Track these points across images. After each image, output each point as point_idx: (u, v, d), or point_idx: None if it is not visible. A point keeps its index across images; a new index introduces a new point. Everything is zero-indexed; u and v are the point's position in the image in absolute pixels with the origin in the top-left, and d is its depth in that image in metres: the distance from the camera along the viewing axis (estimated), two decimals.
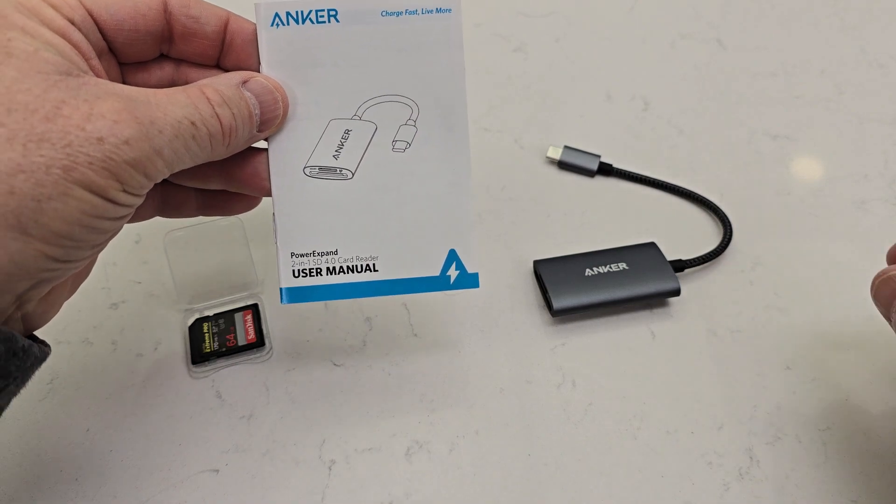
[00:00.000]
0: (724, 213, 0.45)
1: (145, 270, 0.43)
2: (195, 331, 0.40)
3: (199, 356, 0.39)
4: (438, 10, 0.32)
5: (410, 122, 0.33)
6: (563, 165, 0.47)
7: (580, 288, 0.40)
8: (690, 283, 0.42)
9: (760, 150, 0.49)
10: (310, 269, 0.33)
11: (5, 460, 0.36)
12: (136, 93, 0.26)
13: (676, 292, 0.40)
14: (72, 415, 0.38)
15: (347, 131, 0.33)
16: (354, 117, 0.33)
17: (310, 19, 0.32)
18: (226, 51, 0.31)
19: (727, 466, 0.36)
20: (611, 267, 0.41)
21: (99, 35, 0.28)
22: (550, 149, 0.48)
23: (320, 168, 0.33)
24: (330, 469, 0.36)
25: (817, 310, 0.41)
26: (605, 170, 0.47)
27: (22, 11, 0.26)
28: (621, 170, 0.47)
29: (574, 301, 0.40)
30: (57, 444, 0.37)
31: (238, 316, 0.40)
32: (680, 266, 0.42)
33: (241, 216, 0.43)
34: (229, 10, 0.31)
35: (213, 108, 0.28)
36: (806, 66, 0.53)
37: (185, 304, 0.41)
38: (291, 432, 0.37)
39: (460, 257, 0.33)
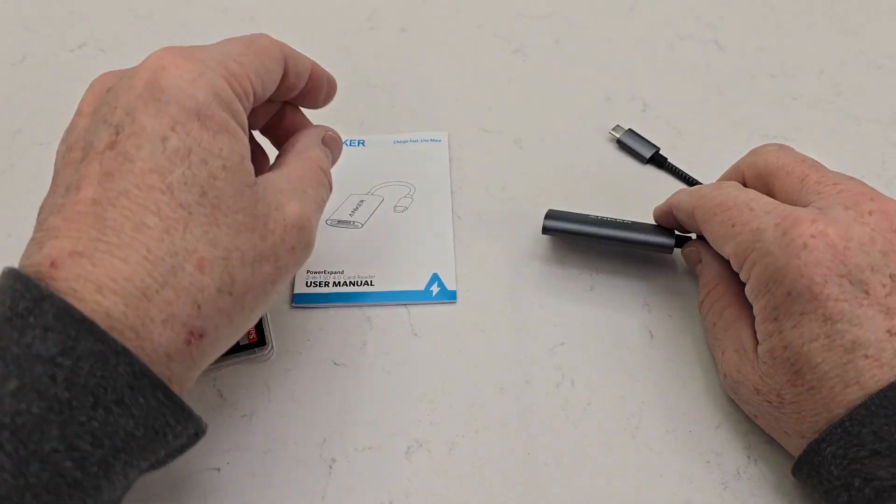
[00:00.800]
0: None
1: None
2: None
3: None
4: (433, 140, 0.49)
5: (409, 196, 0.46)
6: (621, 145, 0.49)
7: (576, 219, 0.41)
8: (688, 282, 0.42)
9: None
10: (319, 282, 0.42)
11: None
12: (312, 190, 0.33)
13: (669, 248, 0.40)
14: None
15: (361, 201, 0.46)
16: (367, 194, 0.47)
17: (346, 144, 0.46)
18: (302, 93, 0.37)
19: (725, 466, 0.36)
20: (615, 218, 0.42)
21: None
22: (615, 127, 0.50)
23: (339, 221, 0.45)
24: (330, 468, 0.36)
25: None
26: (658, 161, 0.48)
27: (224, 108, 0.30)
28: (674, 165, 0.48)
29: (565, 225, 0.41)
30: None
31: None
32: (683, 239, 0.41)
33: None
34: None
35: (326, 176, 0.35)
36: (804, 68, 0.53)
37: None
38: (292, 431, 0.37)
39: (441, 279, 0.42)
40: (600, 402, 0.38)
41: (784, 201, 0.33)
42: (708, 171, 0.48)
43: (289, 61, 0.34)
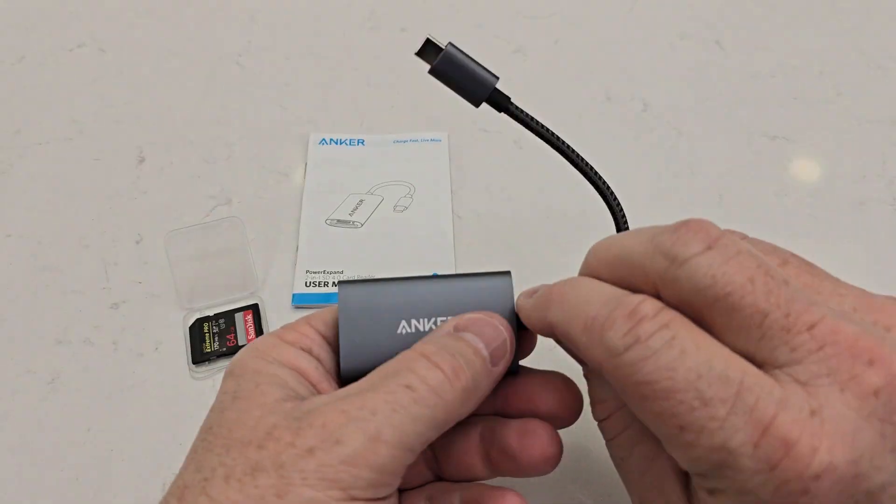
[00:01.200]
0: (617, 205, 0.33)
1: (146, 270, 0.43)
2: (196, 330, 0.40)
3: (199, 356, 0.39)
4: (433, 140, 0.49)
5: (409, 196, 0.46)
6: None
7: (381, 351, 0.27)
8: None
9: (759, 150, 0.49)
10: (319, 282, 0.42)
11: (6, 460, 0.36)
12: (345, 389, 0.24)
13: (512, 373, 0.28)
14: (72, 415, 0.38)
15: (360, 200, 0.46)
16: (367, 193, 0.46)
17: (345, 143, 0.49)
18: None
19: None
20: (434, 323, 0.28)
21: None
22: None
23: (338, 220, 0.45)
24: None
25: None
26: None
27: (258, 356, 0.26)
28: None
29: (367, 367, 0.26)
30: (57, 444, 0.37)
31: (238, 316, 0.40)
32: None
33: (241, 216, 0.43)
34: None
35: (429, 359, 0.24)
36: (804, 67, 0.53)
37: (185, 304, 0.41)
38: None
39: None
40: None
41: (732, 347, 0.21)
42: (707, 172, 0.48)
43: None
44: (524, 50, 0.55)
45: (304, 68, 0.54)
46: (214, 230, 0.42)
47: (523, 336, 0.29)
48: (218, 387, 0.38)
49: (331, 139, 0.49)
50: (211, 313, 0.41)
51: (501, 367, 0.26)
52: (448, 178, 0.47)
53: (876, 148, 0.49)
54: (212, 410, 0.25)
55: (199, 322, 0.40)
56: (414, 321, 0.27)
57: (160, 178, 0.48)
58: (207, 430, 0.24)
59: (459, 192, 0.47)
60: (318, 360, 0.27)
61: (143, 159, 0.49)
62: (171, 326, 0.41)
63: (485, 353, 0.26)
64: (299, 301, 0.42)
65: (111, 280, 0.43)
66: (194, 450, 0.24)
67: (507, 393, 0.29)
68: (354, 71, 0.54)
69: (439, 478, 0.30)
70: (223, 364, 0.39)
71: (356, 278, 0.29)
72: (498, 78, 0.32)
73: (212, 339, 0.39)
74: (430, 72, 0.32)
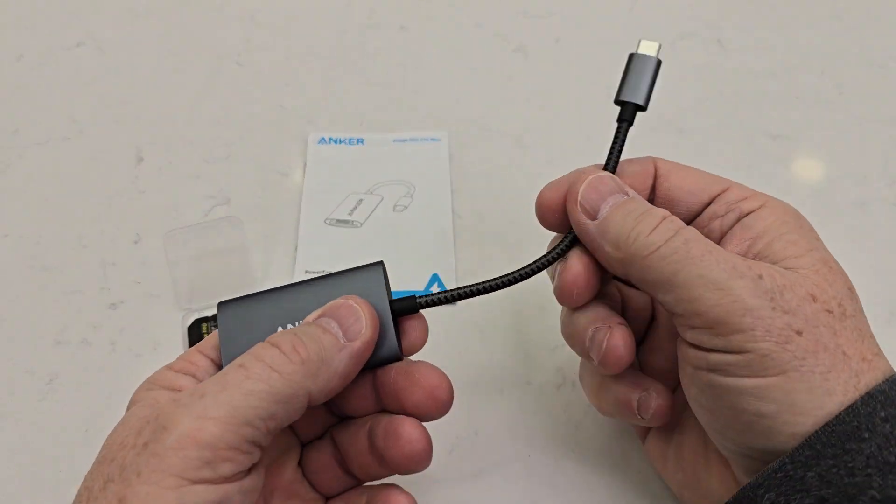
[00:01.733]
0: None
1: (145, 270, 0.43)
2: (194, 331, 0.40)
3: None
4: (433, 139, 0.49)
5: (408, 195, 0.46)
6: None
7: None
8: None
9: (760, 150, 0.49)
10: None
11: (5, 460, 0.36)
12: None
13: (395, 358, 0.28)
14: (71, 415, 0.38)
15: (360, 200, 0.46)
16: (367, 192, 0.46)
17: (345, 142, 0.49)
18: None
19: None
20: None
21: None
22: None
23: (337, 220, 0.45)
24: None
25: None
26: None
27: (146, 386, 0.26)
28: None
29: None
30: (57, 444, 0.37)
31: None
32: (410, 305, 0.29)
33: (240, 216, 0.43)
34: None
35: (270, 342, 0.25)
36: (806, 66, 0.53)
37: (184, 304, 0.41)
38: None
39: (441, 279, 0.42)
40: None
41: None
42: (711, 170, 0.48)
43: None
44: (524, 49, 0.55)
45: (304, 68, 0.54)
46: (213, 230, 0.42)
47: (409, 322, 0.29)
48: None
49: (330, 138, 0.49)
50: (209, 313, 0.40)
51: (361, 344, 0.26)
52: (448, 178, 0.47)
53: (878, 148, 0.49)
54: None
55: (198, 322, 0.40)
56: (290, 325, 0.27)
57: (159, 177, 0.48)
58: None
59: (459, 191, 0.47)
60: (199, 381, 0.27)
61: (141, 159, 0.49)
62: (169, 326, 0.41)
63: (334, 328, 0.26)
64: None
65: (109, 280, 0.43)
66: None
67: (384, 388, 0.29)
68: (354, 70, 0.54)
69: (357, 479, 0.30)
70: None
71: (236, 296, 0.28)
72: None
73: None
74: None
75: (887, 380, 0.25)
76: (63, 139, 0.50)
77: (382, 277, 0.29)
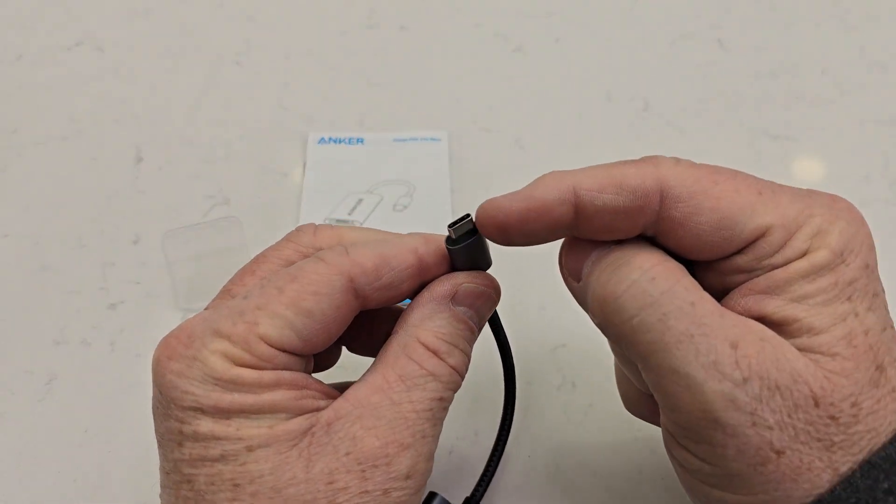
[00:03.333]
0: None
1: (144, 271, 0.43)
2: None
3: None
4: (433, 139, 0.49)
5: (408, 195, 0.46)
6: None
7: None
8: None
9: (761, 150, 0.49)
10: None
11: (5, 460, 0.36)
12: (374, 404, 0.24)
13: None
14: (71, 415, 0.37)
15: (360, 199, 0.46)
16: (366, 192, 0.47)
17: (344, 142, 0.49)
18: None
19: None
20: None
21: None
22: None
23: (337, 220, 0.45)
24: None
25: None
26: None
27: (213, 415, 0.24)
28: None
29: None
30: (54, 444, 0.37)
31: None
32: None
33: (240, 216, 0.43)
34: None
35: (446, 363, 0.25)
36: (806, 67, 0.53)
37: (183, 305, 0.41)
38: None
39: None
40: (602, 404, 0.38)
41: None
42: None
43: (359, 277, 0.26)
44: (524, 49, 0.55)
45: (304, 67, 0.54)
46: (213, 230, 0.41)
47: None
48: None
49: (330, 138, 0.49)
50: None
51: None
52: (448, 178, 0.47)
53: (879, 148, 0.49)
54: None
55: None
56: None
57: (158, 177, 0.48)
58: None
59: (459, 191, 0.47)
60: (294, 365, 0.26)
61: (140, 159, 0.49)
62: (169, 327, 0.40)
63: (479, 326, 0.28)
64: None
65: (109, 280, 0.43)
66: None
67: None
68: (354, 70, 0.54)
69: None
70: None
71: None
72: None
73: None
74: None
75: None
76: (62, 139, 0.50)
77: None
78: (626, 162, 0.25)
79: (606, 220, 0.24)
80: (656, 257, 0.24)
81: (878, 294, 0.23)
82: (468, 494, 0.33)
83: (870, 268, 0.23)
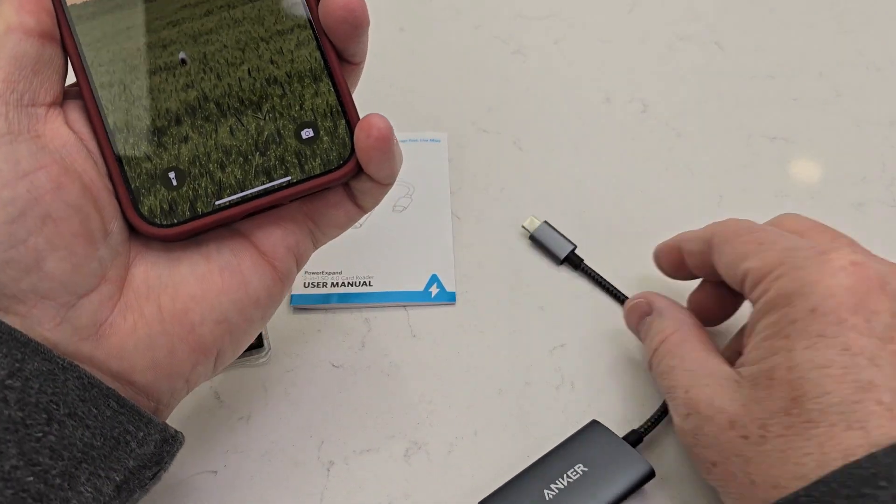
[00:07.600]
0: None
1: None
2: None
3: None
4: (432, 140, 0.49)
5: (408, 196, 0.46)
6: (534, 241, 0.43)
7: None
8: (689, 286, 0.42)
9: (759, 152, 0.49)
10: (317, 283, 0.42)
11: None
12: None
13: (650, 476, 0.34)
14: None
15: None
16: None
17: None
18: None
19: None
20: (569, 477, 0.33)
21: None
22: (529, 219, 0.44)
23: None
24: (328, 470, 0.36)
25: None
26: (573, 262, 0.42)
27: None
28: (589, 268, 0.42)
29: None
30: None
31: None
32: (636, 438, 0.36)
33: None
34: None
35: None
36: (804, 69, 0.53)
37: None
38: (290, 433, 0.37)
39: (440, 280, 0.42)
40: (601, 404, 0.38)
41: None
42: (706, 173, 0.48)
43: None
44: (524, 51, 0.55)
45: None
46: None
47: None
48: (215, 389, 0.37)
49: None
50: None
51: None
52: (447, 179, 0.47)
53: (876, 149, 0.49)
54: None
55: None
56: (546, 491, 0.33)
57: None
58: None
59: (459, 192, 0.47)
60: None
61: None
62: None
63: None
64: (298, 302, 0.41)
65: None
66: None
67: None
68: None
69: None
70: None
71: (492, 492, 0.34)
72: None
73: None
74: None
75: None
76: None
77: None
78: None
79: (695, 261, 0.36)
80: (671, 328, 0.35)
81: (825, 336, 0.27)
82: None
83: (818, 312, 0.27)
